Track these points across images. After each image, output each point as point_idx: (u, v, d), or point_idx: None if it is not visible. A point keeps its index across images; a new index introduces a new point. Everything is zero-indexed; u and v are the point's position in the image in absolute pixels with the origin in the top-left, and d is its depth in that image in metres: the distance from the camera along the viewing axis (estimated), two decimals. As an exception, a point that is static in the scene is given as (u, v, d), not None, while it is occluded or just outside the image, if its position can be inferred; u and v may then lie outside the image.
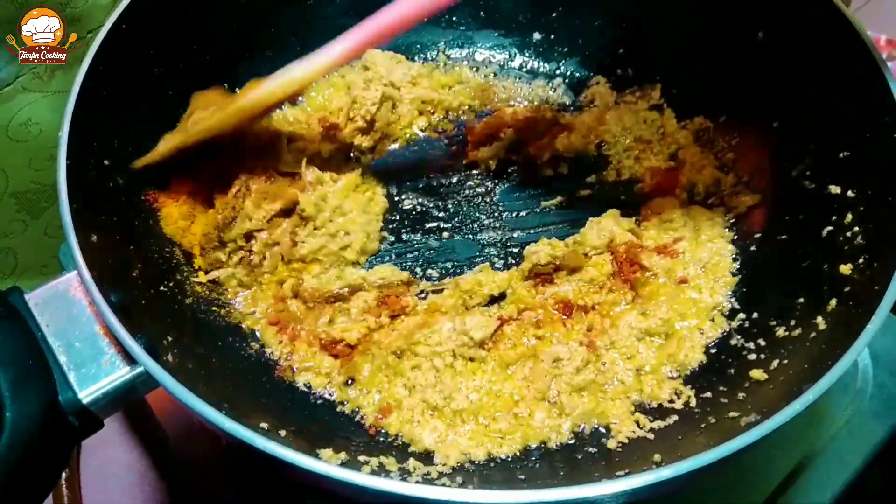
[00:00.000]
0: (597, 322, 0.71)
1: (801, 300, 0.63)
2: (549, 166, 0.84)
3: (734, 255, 0.74)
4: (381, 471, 0.59)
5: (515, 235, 0.80)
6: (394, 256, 0.79)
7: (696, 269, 0.73)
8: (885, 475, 0.73)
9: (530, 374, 0.68)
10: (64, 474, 0.74)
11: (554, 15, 0.90)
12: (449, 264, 0.78)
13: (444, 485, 0.58)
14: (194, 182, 0.76)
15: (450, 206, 0.83)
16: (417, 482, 0.58)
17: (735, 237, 0.76)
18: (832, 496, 0.69)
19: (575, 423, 0.65)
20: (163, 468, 0.76)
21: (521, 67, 0.93)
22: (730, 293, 0.72)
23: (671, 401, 0.65)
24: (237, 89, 0.76)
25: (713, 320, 0.71)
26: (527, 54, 0.93)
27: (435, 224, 0.81)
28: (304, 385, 0.68)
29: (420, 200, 0.83)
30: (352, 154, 0.84)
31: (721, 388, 0.64)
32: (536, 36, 0.92)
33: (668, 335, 0.70)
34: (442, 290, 0.74)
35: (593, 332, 0.71)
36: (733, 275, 0.73)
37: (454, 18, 0.92)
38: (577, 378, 0.66)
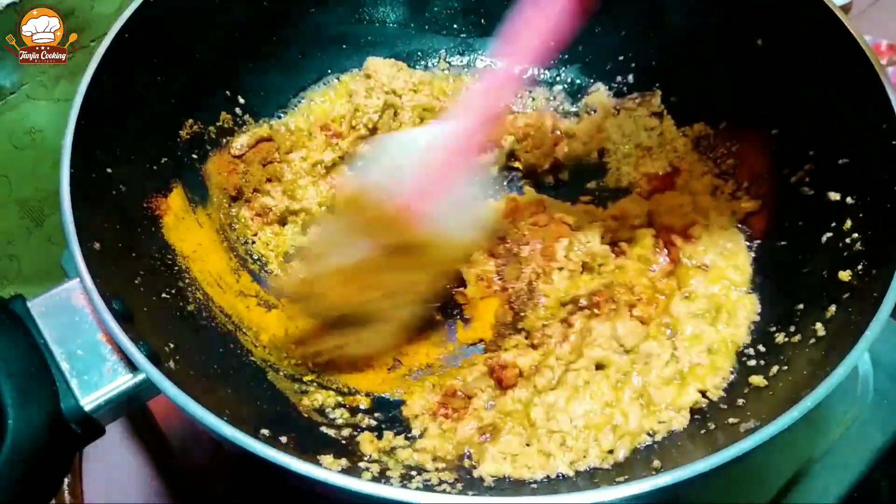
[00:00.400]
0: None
1: (801, 306, 0.63)
2: (549, 173, 0.85)
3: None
4: (382, 477, 0.59)
5: (516, 242, 0.80)
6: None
7: (714, 256, 0.72)
8: (887, 481, 0.73)
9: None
10: (66, 480, 0.74)
11: (554, 22, 0.90)
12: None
13: (444, 491, 0.58)
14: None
15: (450, 212, 0.83)
16: (418, 488, 0.58)
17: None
18: (834, 501, 0.69)
19: None
20: (165, 473, 0.76)
21: (521, 75, 0.92)
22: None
23: (671, 406, 0.65)
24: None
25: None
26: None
27: (436, 231, 0.81)
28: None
29: (421, 207, 0.83)
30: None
31: (720, 394, 0.64)
32: (536, 43, 0.92)
33: (717, 313, 0.69)
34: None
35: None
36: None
37: (455, 26, 0.93)
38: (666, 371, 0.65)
